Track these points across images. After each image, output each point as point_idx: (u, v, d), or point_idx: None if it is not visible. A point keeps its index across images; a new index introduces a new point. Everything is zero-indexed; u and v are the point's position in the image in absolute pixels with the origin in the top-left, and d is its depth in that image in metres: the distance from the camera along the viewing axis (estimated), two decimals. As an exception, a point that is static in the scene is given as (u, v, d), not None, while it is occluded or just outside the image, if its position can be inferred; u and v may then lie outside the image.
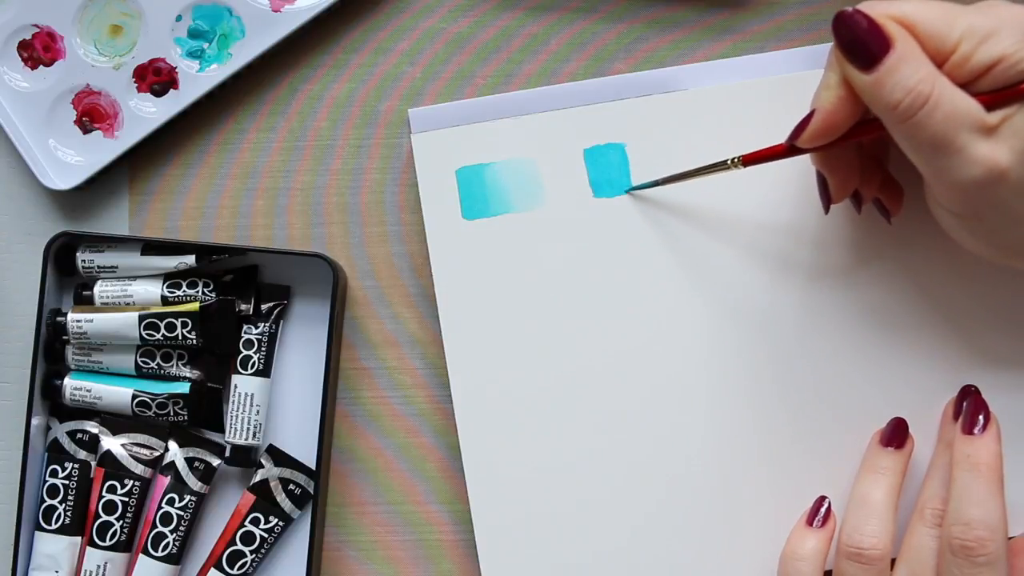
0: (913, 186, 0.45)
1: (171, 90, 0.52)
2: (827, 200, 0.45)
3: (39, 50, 0.53)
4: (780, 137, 0.49)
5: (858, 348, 0.49)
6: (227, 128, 0.53)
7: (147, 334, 0.49)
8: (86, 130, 0.53)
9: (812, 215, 0.49)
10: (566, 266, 0.49)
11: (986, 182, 0.38)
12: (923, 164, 0.40)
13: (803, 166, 0.49)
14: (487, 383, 0.49)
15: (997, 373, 0.48)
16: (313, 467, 0.50)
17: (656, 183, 0.48)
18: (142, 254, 0.50)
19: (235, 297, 0.50)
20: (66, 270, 0.51)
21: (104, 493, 0.50)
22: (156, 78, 0.52)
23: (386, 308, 0.52)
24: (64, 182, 0.52)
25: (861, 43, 0.39)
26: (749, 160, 0.45)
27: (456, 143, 0.50)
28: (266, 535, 0.50)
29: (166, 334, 0.49)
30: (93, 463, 0.50)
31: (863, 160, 0.45)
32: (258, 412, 0.50)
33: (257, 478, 0.50)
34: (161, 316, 0.49)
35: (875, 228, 0.49)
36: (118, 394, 0.50)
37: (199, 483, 0.50)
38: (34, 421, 0.50)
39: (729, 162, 0.45)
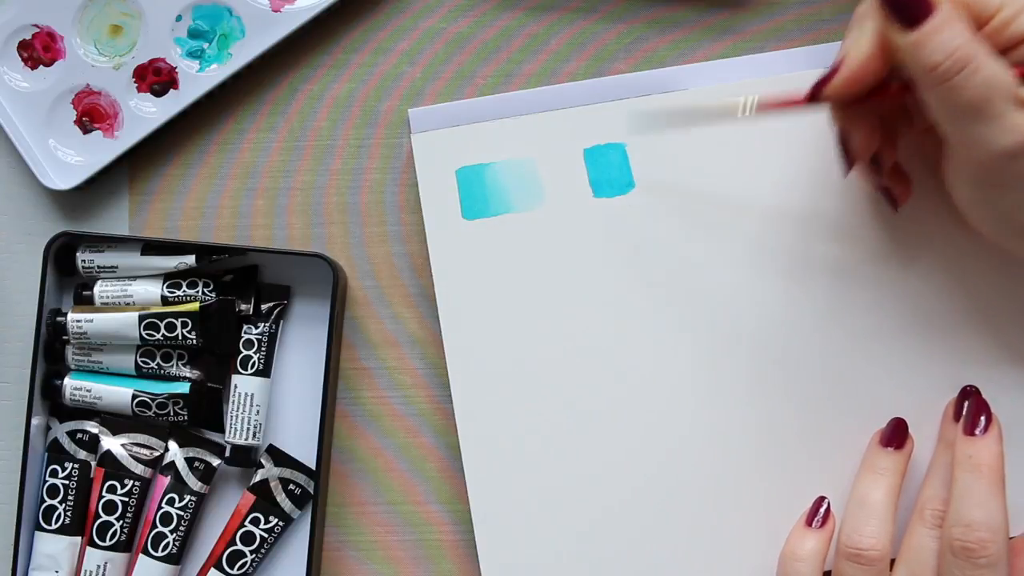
0: (920, 184, 0.45)
1: (171, 90, 0.52)
2: (849, 160, 0.45)
3: (39, 50, 0.53)
4: (779, 136, 0.49)
5: (861, 345, 0.49)
6: (227, 128, 0.53)
7: (147, 334, 0.49)
8: (86, 130, 0.53)
9: (816, 212, 0.49)
10: (566, 266, 0.49)
11: (1016, 153, 0.38)
12: (954, 129, 0.40)
13: (806, 164, 0.49)
14: (487, 383, 0.49)
15: (999, 371, 0.48)
16: (313, 467, 0.50)
17: (659, 121, 0.48)
18: (142, 254, 0.50)
19: (235, 297, 0.50)
20: (66, 270, 0.51)
21: (104, 493, 0.50)
22: (156, 78, 0.52)
23: (386, 308, 0.52)
24: (64, 182, 0.52)
25: (905, 1, 0.39)
26: (764, 108, 0.44)
27: (456, 143, 0.50)
28: (266, 535, 0.50)
29: (166, 334, 0.49)
30: (93, 463, 0.50)
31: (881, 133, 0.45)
32: (258, 412, 0.50)
33: (257, 478, 0.50)
34: (161, 316, 0.49)
35: (880, 224, 0.49)
36: (118, 394, 0.50)
37: (199, 483, 0.50)
38: (34, 421, 0.50)
39: (741, 107, 0.44)
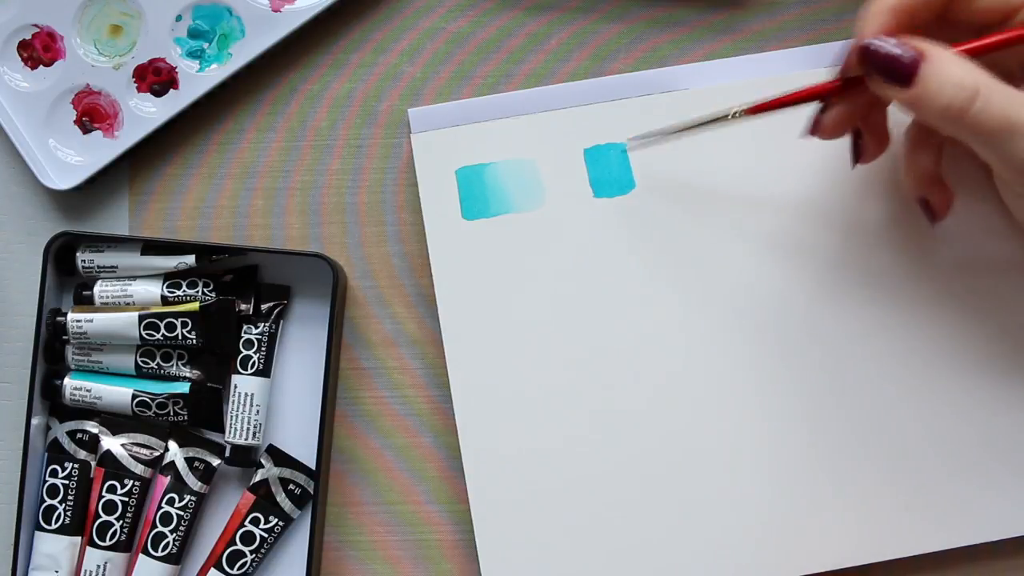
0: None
1: (171, 90, 0.52)
2: (856, 156, 0.46)
3: (39, 50, 0.53)
4: (780, 137, 0.49)
5: (862, 344, 0.49)
6: (226, 128, 0.53)
7: (147, 334, 0.49)
8: (86, 130, 0.53)
9: (818, 209, 0.49)
10: (566, 266, 0.49)
11: None
12: (991, 153, 0.39)
13: (807, 163, 0.49)
14: (487, 383, 0.49)
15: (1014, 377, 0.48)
16: (313, 467, 0.50)
17: (654, 134, 0.48)
18: (142, 254, 0.50)
19: (235, 297, 0.50)
20: (66, 270, 0.51)
21: (104, 493, 0.50)
22: (156, 78, 0.52)
23: (385, 308, 0.52)
24: (64, 182, 0.52)
25: (892, 66, 0.39)
26: (754, 110, 0.44)
27: (456, 143, 0.50)
28: (266, 535, 0.50)
29: (166, 334, 0.49)
30: (93, 463, 0.50)
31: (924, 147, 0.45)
32: (258, 412, 0.50)
33: (257, 478, 0.50)
34: (161, 316, 0.49)
35: (883, 222, 0.49)
36: (118, 394, 0.50)
37: (199, 483, 0.50)
38: (34, 421, 0.50)
39: (730, 116, 0.45)
